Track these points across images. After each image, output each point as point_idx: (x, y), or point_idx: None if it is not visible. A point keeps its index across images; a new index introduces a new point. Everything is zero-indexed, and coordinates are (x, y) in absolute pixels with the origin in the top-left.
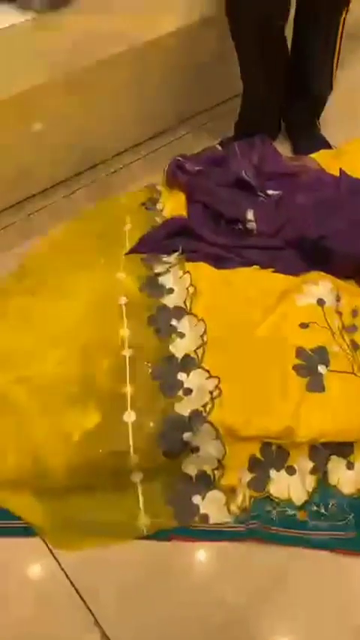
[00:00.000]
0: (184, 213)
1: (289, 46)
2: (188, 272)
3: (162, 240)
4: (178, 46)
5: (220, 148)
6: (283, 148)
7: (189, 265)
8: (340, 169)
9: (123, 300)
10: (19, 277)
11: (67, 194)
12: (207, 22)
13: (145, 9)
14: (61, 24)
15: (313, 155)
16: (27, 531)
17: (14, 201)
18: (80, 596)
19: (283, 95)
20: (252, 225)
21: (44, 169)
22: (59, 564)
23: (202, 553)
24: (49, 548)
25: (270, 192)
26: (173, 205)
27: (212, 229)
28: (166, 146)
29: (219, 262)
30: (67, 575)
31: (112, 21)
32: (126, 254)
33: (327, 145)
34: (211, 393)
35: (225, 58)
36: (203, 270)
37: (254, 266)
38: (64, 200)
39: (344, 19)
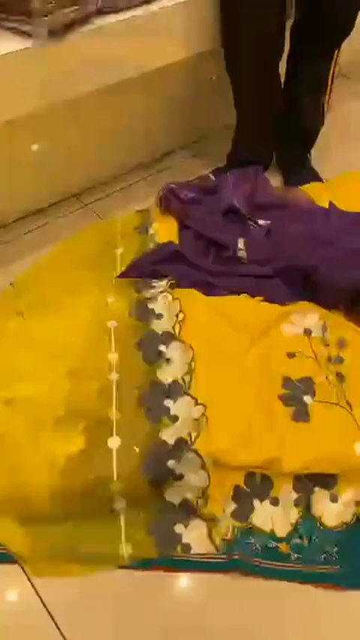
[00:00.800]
0: (175, 239)
1: (282, 80)
2: (178, 298)
3: (153, 265)
4: (174, 77)
5: (212, 177)
6: (274, 179)
7: (179, 291)
8: (330, 202)
9: (113, 323)
10: (9, 296)
11: (62, 215)
12: (204, 56)
13: (147, 39)
14: (61, 52)
15: (303, 187)
16: (4, 557)
17: (10, 220)
18: (57, 626)
19: (276, 128)
20: (242, 254)
21: (40, 190)
22: (37, 592)
23: (183, 584)
24: (27, 575)
25: (261, 222)
26: (165, 231)
27: (203, 256)
28: (159, 173)
29: (209, 289)
30: (44, 604)
31: (114, 49)
32: (117, 277)
33: (317, 178)
34: (197, 420)
35: (217, 90)
36: (193, 296)
37: (243, 294)
38: (59, 221)
39: (337, 56)
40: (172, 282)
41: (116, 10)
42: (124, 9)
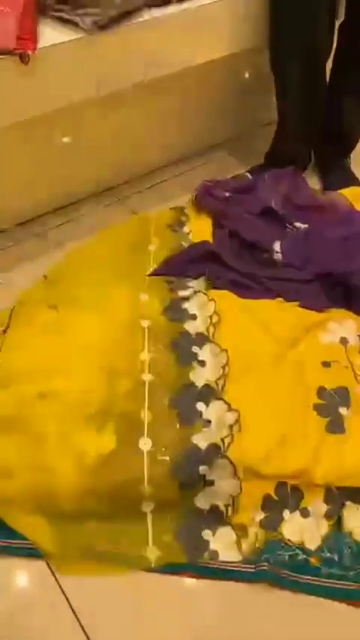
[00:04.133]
0: (210, 238)
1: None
2: (212, 299)
3: (186, 264)
4: (213, 73)
5: (249, 175)
6: (312, 181)
7: (213, 293)
8: None
9: (146, 323)
10: (42, 289)
11: (96, 208)
12: (245, 53)
13: (193, 34)
14: (109, 43)
15: (342, 191)
16: (32, 552)
17: (44, 212)
18: (81, 626)
19: (317, 128)
20: (279, 257)
21: (76, 182)
22: (62, 590)
23: (207, 591)
24: (52, 572)
25: (298, 224)
26: (200, 229)
27: (237, 257)
28: (195, 170)
29: (243, 291)
30: (69, 603)
31: (161, 43)
32: (149, 275)
33: (357, 182)
34: (230, 427)
35: (257, 87)
36: (228, 298)
37: (278, 298)
38: (94, 214)
39: None
40: (207, 282)
41: (165, 3)
42: (174, 2)
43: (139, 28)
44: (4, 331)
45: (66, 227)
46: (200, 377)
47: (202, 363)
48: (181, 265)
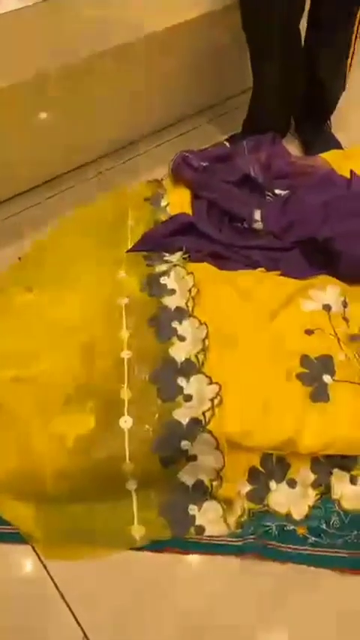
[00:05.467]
0: (188, 210)
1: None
2: (191, 273)
3: (165, 238)
4: (189, 37)
5: (227, 144)
6: (292, 146)
7: (192, 266)
8: (351, 170)
9: (124, 300)
10: (17, 271)
11: (70, 186)
12: (217, 14)
13: None
14: (74, 8)
15: (323, 155)
16: (16, 537)
17: (18, 192)
18: (69, 608)
19: (295, 93)
20: (259, 225)
21: (49, 160)
22: (48, 573)
23: (196, 566)
24: (38, 556)
25: (278, 191)
26: (178, 201)
27: (217, 227)
28: (172, 140)
29: (223, 262)
30: (56, 586)
31: (128, 8)
32: (127, 251)
33: (338, 146)
34: (211, 400)
35: (232, 53)
36: (207, 271)
37: (259, 268)
38: (68, 192)
39: (359, 18)
40: (185, 255)
41: None
42: None
43: None
44: None
45: (41, 206)
46: (180, 352)
47: (182, 338)
48: (160, 239)
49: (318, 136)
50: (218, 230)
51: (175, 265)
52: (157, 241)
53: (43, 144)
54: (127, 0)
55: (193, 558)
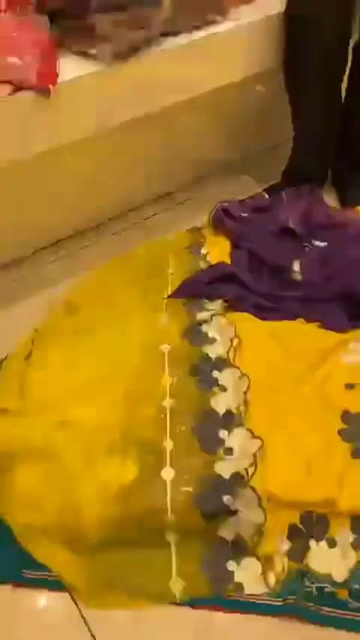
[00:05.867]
0: (228, 259)
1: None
2: (232, 322)
3: (204, 286)
4: (233, 95)
5: (266, 195)
6: (330, 198)
7: (233, 315)
8: None
9: (166, 347)
10: (63, 314)
11: (116, 231)
12: (261, 75)
13: (207, 61)
14: (127, 73)
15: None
16: (56, 585)
17: (63, 236)
18: None
19: (334, 146)
20: (297, 277)
21: (95, 206)
22: (85, 621)
23: (232, 625)
24: (76, 604)
25: (317, 243)
26: (218, 251)
27: (256, 277)
28: (212, 190)
29: (263, 312)
30: (91, 634)
31: (175, 71)
32: (168, 297)
33: None
34: (254, 455)
35: (271, 107)
36: (248, 321)
37: (299, 319)
38: (113, 237)
39: None
40: (226, 304)
41: (179, 33)
42: (187, 31)
43: (153, 58)
44: (27, 357)
45: (86, 251)
46: (221, 403)
47: (223, 388)
48: (200, 287)
49: (355, 188)
50: (258, 280)
51: (216, 314)
52: (198, 288)
53: (91, 191)
54: (172, 67)
55: (230, 616)
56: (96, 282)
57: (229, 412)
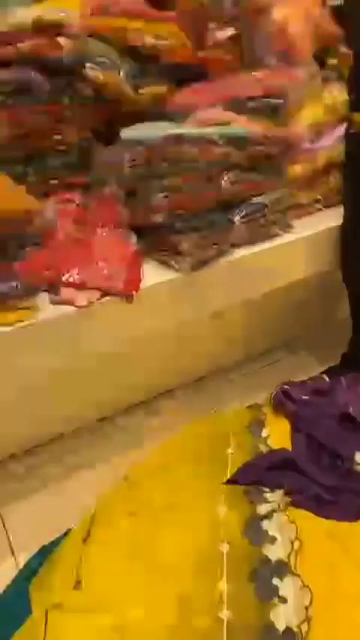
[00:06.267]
0: (288, 442)
1: None
2: (293, 521)
3: (265, 472)
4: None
5: (326, 378)
6: None
7: (294, 513)
8: None
9: (224, 547)
10: (123, 491)
11: (175, 404)
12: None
13: (270, 268)
14: (200, 280)
15: None
16: None
17: (126, 406)
18: None
19: None
20: (359, 469)
21: (160, 374)
22: None
23: None
24: None
25: None
26: (278, 433)
27: (317, 464)
28: (271, 365)
29: (324, 506)
30: None
31: (239, 277)
32: (227, 482)
33: None
34: None
35: (335, 283)
36: (310, 521)
37: None
38: (174, 408)
39: None
40: (287, 498)
41: (247, 244)
42: (253, 244)
43: (223, 267)
44: (84, 540)
45: (147, 421)
46: (282, 617)
47: (284, 600)
48: (260, 473)
49: None
50: (318, 467)
51: (276, 510)
52: (257, 474)
53: (156, 361)
54: (247, 271)
55: None
56: (157, 458)
57: (289, 630)
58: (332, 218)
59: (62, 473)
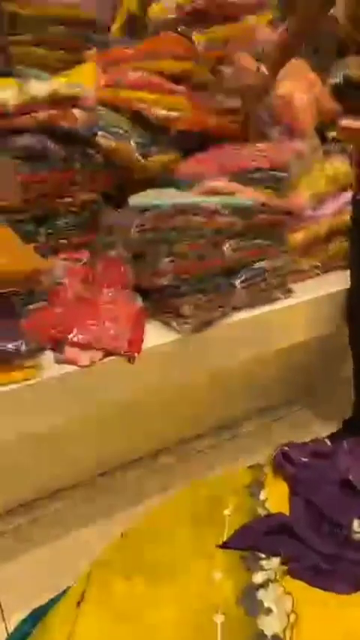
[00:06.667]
0: (286, 505)
1: None
2: (290, 593)
3: (261, 537)
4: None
5: (328, 442)
6: None
7: (290, 583)
8: None
9: (219, 618)
10: (120, 550)
11: (176, 461)
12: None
13: (272, 329)
14: (201, 341)
15: None
16: None
17: (123, 462)
18: None
19: None
20: (358, 537)
21: (158, 433)
22: None
23: None
24: None
25: None
26: (277, 497)
27: (315, 530)
28: (274, 422)
29: (321, 576)
30: None
31: (239, 338)
32: (222, 546)
33: None
34: None
35: (338, 344)
36: (306, 593)
37: None
38: (173, 466)
39: None
40: (284, 566)
41: (248, 307)
42: (254, 307)
43: (223, 328)
44: (78, 604)
45: (143, 480)
46: None
47: None
48: (256, 538)
49: None
50: (316, 534)
51: (272, 580)
52: (254, 539)
53: (150, 419)
54: (248, 332)
55: None
56: (156, 517)
57: None
58: (332, 283)
59: (57, 531)
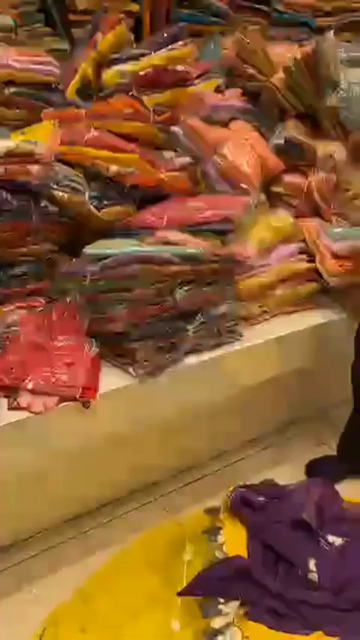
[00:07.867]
0: (244, 548)
1: None
2: (247, 637)
3: (219, 582)
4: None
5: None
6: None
7: (249, 626)
8: None
9: None
10: (74, 604)
11: (139, 506)
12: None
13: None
14: (155, 386)
15: None
16: None
17: (78, 514)
18: None
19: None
20: (313, 577)
21: (111, 483)
22: None
23: None
24: None
25: (331, 538)
26: (234, 539)
27: (271, 572)
28: (235, 463)
29: (279, 619)
30: None
31: (196, 382)
32: (181, 593)
33: None
34: None
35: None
36: (265, 636)
37: (318, 632)
38: (129, 516)
39: None
40: (242, 609)
41: (200, 352)
42: (208, 350)
43: (179, 372)
44: None
45: (101, 530)
46: None
47: None
48: (215, 583)
49: None
50: (274, 576)
51: (230, 624)
52: (212, 585)
53: (105, 469)
54: (204, 376)
55: None
56: (113, 569)
57: None
58: (281, 327)
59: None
